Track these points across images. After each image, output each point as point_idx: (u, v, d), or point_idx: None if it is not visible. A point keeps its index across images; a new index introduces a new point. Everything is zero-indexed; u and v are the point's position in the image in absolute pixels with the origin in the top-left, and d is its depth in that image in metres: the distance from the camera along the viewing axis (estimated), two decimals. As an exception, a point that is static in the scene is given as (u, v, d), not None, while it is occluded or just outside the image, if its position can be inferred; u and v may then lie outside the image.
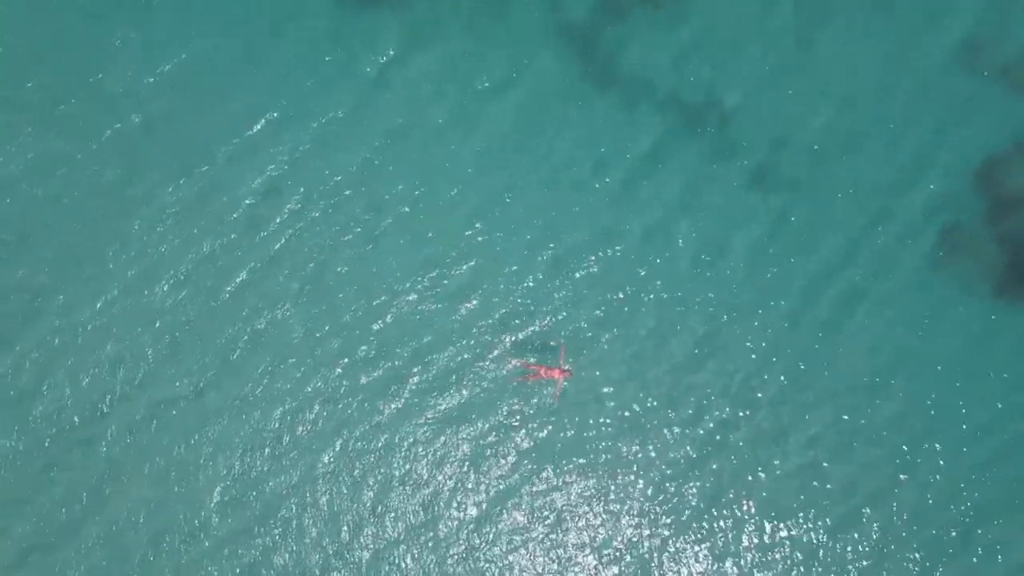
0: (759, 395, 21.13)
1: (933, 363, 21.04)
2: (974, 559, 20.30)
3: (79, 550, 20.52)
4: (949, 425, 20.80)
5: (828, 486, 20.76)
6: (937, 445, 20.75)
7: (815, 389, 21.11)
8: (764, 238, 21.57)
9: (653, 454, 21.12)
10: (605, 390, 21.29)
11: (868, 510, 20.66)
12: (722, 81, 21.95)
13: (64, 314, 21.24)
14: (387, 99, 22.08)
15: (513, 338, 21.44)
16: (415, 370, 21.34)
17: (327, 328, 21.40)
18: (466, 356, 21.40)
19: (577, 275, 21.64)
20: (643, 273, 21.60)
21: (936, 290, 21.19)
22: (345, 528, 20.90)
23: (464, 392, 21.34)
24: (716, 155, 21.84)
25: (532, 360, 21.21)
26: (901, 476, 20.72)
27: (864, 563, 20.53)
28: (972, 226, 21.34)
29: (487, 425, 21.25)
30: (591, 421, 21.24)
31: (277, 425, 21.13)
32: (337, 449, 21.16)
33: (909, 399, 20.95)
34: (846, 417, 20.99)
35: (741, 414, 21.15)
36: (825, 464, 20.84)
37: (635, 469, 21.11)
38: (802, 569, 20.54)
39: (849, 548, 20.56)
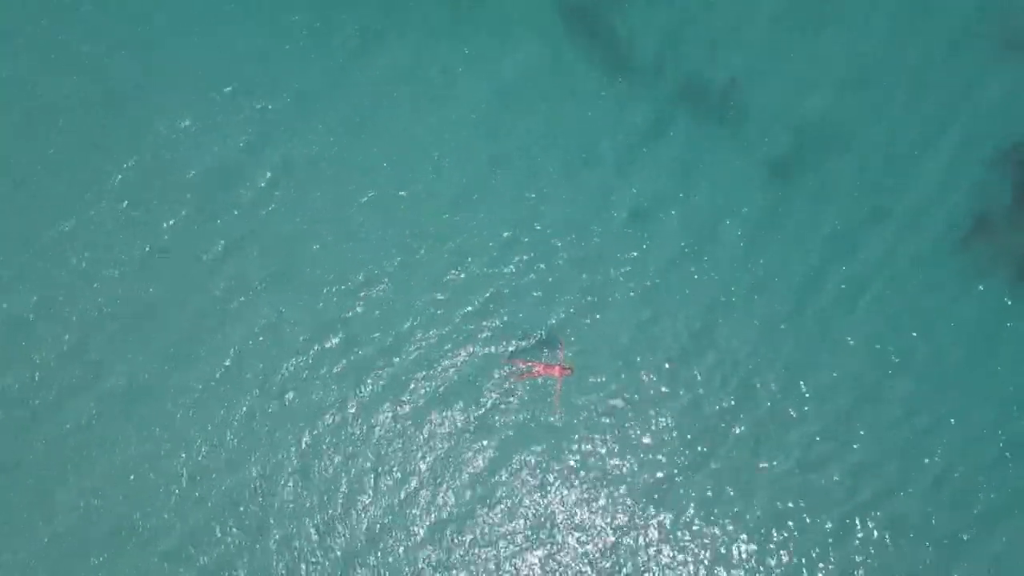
0: (759, 389, 19.95)
1: (944, 356, 19.88)
2: (986, 563, 19.15)
3: (31, 552, 19.14)
4: (959, 422, 19.64)
5: (832, 484, 19.59)
6: (947, 443, 19.58)
7: (818, 383, 19.97)
8: (765, 224, 20.48)
9: (649, 453, 19.87)
10: (596, 381, 20.04)
11: (874, 511, 19.48)
12: (723, 59, 20.93)
13: (10, 301, 19.87)
14: (366, 72, 20.94)
15: (500, 328, 20.18)
16: (393, 361, 20.03)
17: (298, 314, 20.11)
18: (448, 346, 20.12)
19: (568, 260, 20.45)
20: (637, 258, 20.44)
21: (950, 279, 20.04)
22: (313, 529, 19.55)
23: (446, 386, 20.05)
24: (714, 136, 20.73)
25: (522, 353, 19.96)
26: (908, 475, 19.54)
27: (872, 565, 19.30)
28: (992, 211, 20.21)
29: (471, 421, 19.95)
30: (581, 418, 19.97)
31: (242, 418, 19.76)
32: (306, 445, 19.82)
33: (918, 394, 19.78)
34: (852, 413, 19.83)
35: (740, 410, 19.96)
36: (829, 462, 19.67)
37: (629, 468, 19.85)
38: (806, 571, 19.33)
39: (853, 551, 19.35)
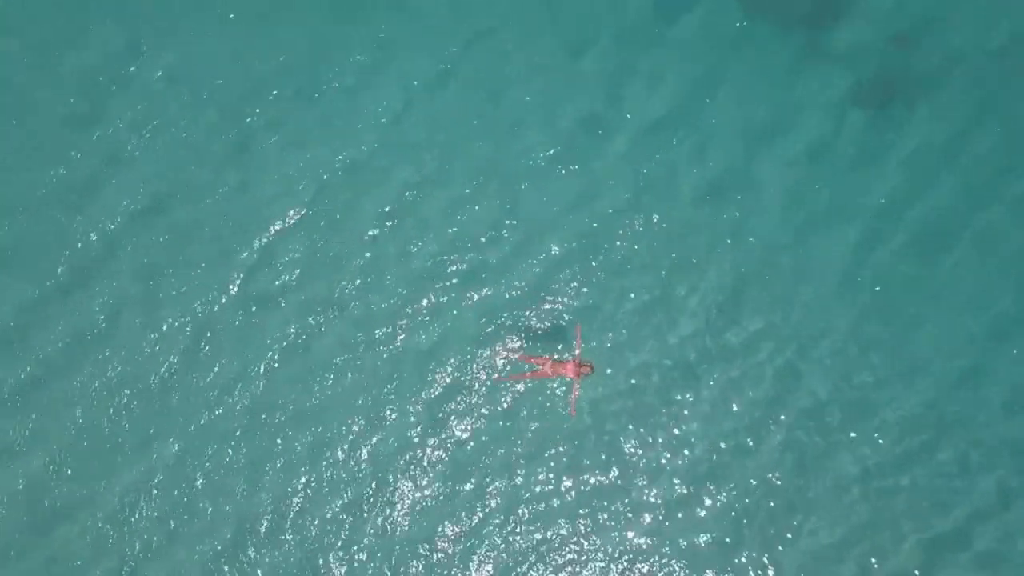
0: (819, 392, 15.49)
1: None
2: None
3: None
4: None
5: (920, 507, 15.16)
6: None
7: (899, 379, 15.53)
8: (845, 156, 16.19)
9: (677, 475, 15.53)
10: (609, 375, 15.63)
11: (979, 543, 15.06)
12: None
13: None
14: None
15: (487, 297, 15.84)
16: (343, 349, 15.74)
17: (222, 281, 15.94)
18: (416, 322, 15.82)
19: (580, 213, 16.14)
20: (672, 218, 16.11)
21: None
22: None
23: (413, 373, 15.75)
24: (796, 58, 16.52)
25: (524, 346, 15.53)
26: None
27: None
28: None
29: (452, 427, 15.63)
30: (590, 433, 15.57)
31: (152, 415, 15.45)
32: (233, 454, 15.41)
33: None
34: (943, 414, 15.43)
35: (801, 414, 15.51)
36: (913, 482, 15.24)
37: (660, 472, 15.48)
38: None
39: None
